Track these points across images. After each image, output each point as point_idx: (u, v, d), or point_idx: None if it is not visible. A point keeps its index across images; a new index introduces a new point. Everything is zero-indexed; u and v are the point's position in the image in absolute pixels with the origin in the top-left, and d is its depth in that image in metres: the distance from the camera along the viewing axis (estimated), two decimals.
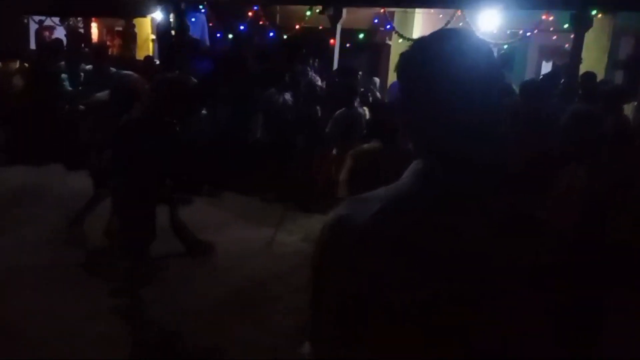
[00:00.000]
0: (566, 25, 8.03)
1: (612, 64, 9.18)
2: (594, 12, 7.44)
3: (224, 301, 4.28)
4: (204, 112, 7.49)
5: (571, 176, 2.92)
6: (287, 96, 7.50)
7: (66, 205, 5.82)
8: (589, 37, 7.67)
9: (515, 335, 1.14)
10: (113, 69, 7.11)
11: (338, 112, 6.34)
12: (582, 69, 7.31)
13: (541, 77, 8.56)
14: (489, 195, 1.15)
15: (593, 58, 8.30)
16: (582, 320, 1.32)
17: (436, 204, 1.12)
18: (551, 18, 8.79)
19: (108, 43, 12.67)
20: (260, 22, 11.12)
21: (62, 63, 8.47)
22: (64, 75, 8.10)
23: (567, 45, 9.05)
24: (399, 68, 1.20)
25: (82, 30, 13.04)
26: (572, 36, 7.80)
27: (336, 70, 8.94)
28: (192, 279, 4.63)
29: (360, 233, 1.11)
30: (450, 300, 1.10)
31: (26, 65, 8.39)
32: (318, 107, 7.51)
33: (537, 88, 5.52)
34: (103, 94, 5.26)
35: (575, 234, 2.67)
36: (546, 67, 11.42)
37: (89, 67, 8.24)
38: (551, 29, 9.67)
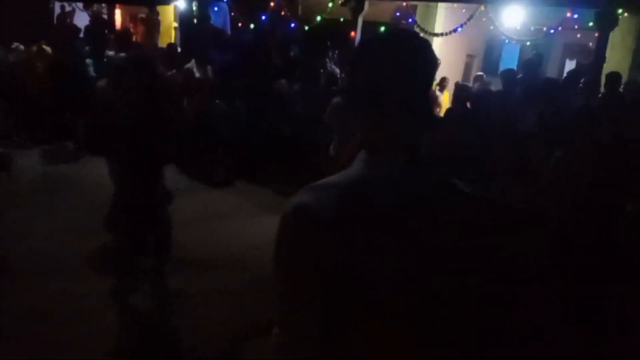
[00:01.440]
0: (591, 24, 7.93)
1: (637, 64, 9.03)
2: (619, 11, 7.34)
3: (242, 290, 4.33)
4: (218, 101, 7.55)
5: (557, 166, 2.90)
6: (297, 87, 7.47)
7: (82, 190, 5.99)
8: (614, 36, 7.57)
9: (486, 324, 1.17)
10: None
11: None
12: (606, 68, 7.22)
13: (565, 76, 8.44)
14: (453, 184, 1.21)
15: (617, 57, 8.19)
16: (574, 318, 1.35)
17: (407, 189, 1.15)
18: (576, 16, 8.67)
19: (131, 30, 12.75)
20: (282, 13, 11.12)
21: (87, 48, 8.57)
22: (88, 61, 8.20)
23: (591, 44, 8.93)
24: (359, 66, 1.21)
25: (105, 17, 13.14)
26: (596, 35, 7.69)
27: None
28: (210, 268, 4.69)
29: (329, 219, 1.10)
30: (426, 286, 1.11)
31: (45, 48, 8.47)
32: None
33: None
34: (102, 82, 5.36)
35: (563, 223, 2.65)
36: (569, 66, 11.28)
37: (111, 53, 8.35)
38: (575, 27, 9.54)
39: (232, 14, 11.23)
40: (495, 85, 7.47)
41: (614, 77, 6.62)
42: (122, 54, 7.56)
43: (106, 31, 10.39)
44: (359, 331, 1.16)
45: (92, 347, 3.46)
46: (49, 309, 3.84)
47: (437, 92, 8.52)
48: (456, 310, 1.11)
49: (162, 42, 11.75)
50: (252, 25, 11.27)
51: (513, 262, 1.15)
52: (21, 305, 3.86)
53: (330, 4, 10.21)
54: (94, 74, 8.06)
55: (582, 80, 7.20)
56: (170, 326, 3.86)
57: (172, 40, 11.92)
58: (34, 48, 8.56)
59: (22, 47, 8.71)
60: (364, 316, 1.14)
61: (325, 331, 1.16)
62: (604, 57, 7.35)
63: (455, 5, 10.22)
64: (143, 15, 13.33)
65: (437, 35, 9.89)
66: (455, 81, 8.38)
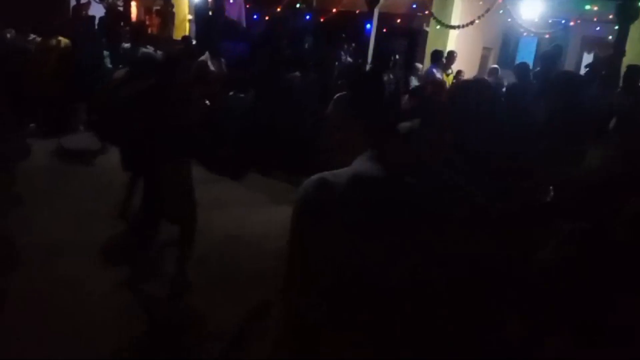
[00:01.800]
0: (610, 16, 7.80)
1: None
2: None
3: (242, 286, 4.29)
4: (231, 93, 7.57)
5: (559, 165, 2.87)
6: (310, 79, 7.44)
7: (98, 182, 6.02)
8: (634, 29, 7.43)
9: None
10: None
11: None
12: (625, 62, 7.10)
13: (585, 69, 8.31)
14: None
15: (636, 51, 8.04)
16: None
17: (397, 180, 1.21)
18: (595, 8, 8.54)
19: (146, 22, 12.80)
20: (297, 5, 11.09)
21: (104, 40, 8.62)
22: (105, 53, 8.25)
23: (610, 37, 8.80)
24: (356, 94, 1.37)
25: (121, 9, 13.21)
26: (616, 27, 7.57)
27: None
28: (212, 261, 4.67)
29: (340, 194, 1.20)
30: (425, 285, 1.13)
31: (61, 40, 8.51)
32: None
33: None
34: (119, 73, 5.41)
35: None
36: (587, 59, 11.12)
37: (127, 45, 8.40)
38: (595, 19, 9.40)
39: (247, 6, 11.23)
40: (510, 80, 7.38)
41: (634, 70, 6.46)
42: (144, 49, 7.59)
43: (122, 23, 10.43)
44: (358, 331, 1.17)
45: (91, 345, 3.41)
46: (53, 298, 3.85)
47: None
48: (455, 309, 1.12)
49: (177, 35, 11.80)
50: (267, 17, 11.27)
51: (513, 262, 1.15)
52: (26, 294, 3.86)
53: None
54: (109, 66, 8.11)
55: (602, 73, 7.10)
56: (171, 322, 3.81)
57: (187, 33, 11.95)
58: (52, 41, 8.60)
59: (38, 39, 8.77)
60: (363, 316, 1.16)
61: (325, 331, 1.19)
62: (624, 51, 7.23)
63: None
64: (158, 8, 13.39)
65: (453, 27, 9.79)
66: (474, 76, 8.31)
